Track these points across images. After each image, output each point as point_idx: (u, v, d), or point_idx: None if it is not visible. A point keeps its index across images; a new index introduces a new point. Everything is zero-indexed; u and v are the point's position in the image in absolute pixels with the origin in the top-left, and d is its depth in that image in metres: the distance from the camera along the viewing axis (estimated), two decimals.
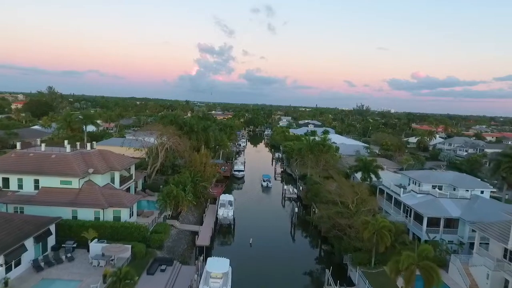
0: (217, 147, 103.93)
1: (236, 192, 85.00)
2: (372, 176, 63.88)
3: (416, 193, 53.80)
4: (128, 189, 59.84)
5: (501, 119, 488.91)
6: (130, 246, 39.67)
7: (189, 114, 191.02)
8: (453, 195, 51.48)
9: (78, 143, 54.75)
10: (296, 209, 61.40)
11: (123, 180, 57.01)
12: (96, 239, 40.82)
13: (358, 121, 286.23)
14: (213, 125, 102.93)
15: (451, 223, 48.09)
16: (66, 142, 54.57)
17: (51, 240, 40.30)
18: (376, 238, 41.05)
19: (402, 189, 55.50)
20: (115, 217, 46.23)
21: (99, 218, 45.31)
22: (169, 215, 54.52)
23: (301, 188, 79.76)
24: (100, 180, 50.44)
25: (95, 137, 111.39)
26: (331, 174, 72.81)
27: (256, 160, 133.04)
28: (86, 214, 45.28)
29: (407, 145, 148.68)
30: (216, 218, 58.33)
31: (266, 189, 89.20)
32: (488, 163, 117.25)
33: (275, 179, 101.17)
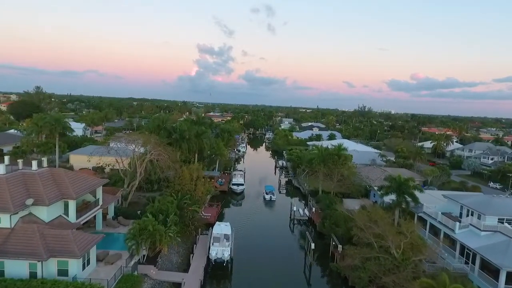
0: (213, 156, 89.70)
1: (234, 210, 71.37)
2: (409, 199, 49.65)
3: (479, 229, 39.65)
4: (94, 218, 45.98)
5: (503, 120, 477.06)
6: None
7: (184, 117, 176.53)
8: None
9: (20, 161, 40.53)
10: (313, 245, 46.87)
11: (85, 207, 42.97)
12: None
13: (362, 123, 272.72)
14: (208, 131, 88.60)
15: None
16: (6, 158, 40.53)
17: None
18: None
19: (457, 223, 41.24)
20: (60, 271, 32.27)
21: (37, 273, 31.40)
22: (144, 256, 40.51)
23: (313, 209, 65.73)
24: (46, 213, 36.31)
25: (74, 144, 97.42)
26: (361, 200, 58.69)
27: (257, 167, 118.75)
28: (17, 267, 31.32)
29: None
30: (208, 258, 44.23)
31: (269, 203, 76.03)
32: None
33: (280, 191, 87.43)
